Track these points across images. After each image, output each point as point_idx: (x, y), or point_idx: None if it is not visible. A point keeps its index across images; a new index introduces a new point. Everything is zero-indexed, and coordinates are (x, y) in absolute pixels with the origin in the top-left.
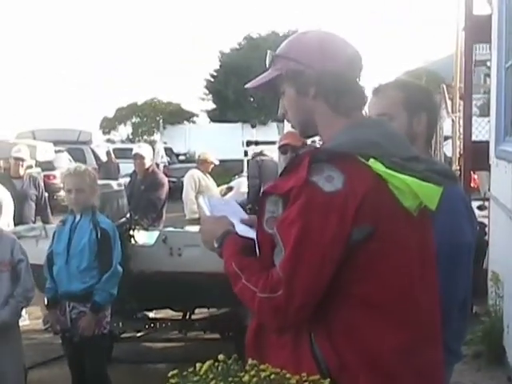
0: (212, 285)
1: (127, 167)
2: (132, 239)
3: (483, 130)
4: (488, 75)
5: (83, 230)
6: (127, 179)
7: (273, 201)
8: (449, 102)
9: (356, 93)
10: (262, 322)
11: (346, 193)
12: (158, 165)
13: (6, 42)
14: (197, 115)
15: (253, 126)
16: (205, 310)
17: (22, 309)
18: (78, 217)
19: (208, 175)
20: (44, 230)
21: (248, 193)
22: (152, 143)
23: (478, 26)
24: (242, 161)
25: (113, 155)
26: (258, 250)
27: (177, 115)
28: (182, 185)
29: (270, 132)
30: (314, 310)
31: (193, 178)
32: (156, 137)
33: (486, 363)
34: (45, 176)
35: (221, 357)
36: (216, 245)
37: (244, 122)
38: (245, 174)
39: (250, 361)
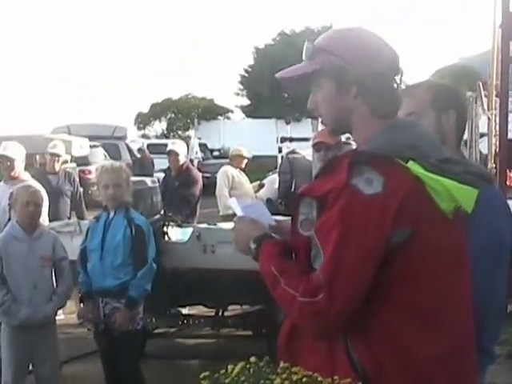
0: (245, 282)
1: (162, 162)
2: (166, 236)
3: None
4: None
5: (117, 226)
6: (162, 174)
7: (307, 203)
8: (484, 100)
9: (395, 95)
10: (303, 326)
11: (385, 196)
12: (192, 160)
13: (5, 42)
14: (231, 111)
15: (287, 123)
16: (237, 306)
17: (62, 306)
18: (111, 213)
19: (241, 171)
20: (78, 226)
21: (279, 188)
22: (186, 139)
23: None
24: (275, 157)
25: (147, 151)
26: (293, 253)
27: (211, 111)
28: (216, 180)
29: (305, 129)
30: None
31: (226, 174)
32: (190, 132)
33: None
34: (80, 171)
35: (252, 359)
36: (253, 246)
37: (278, 118)
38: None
39: (281, 363)
